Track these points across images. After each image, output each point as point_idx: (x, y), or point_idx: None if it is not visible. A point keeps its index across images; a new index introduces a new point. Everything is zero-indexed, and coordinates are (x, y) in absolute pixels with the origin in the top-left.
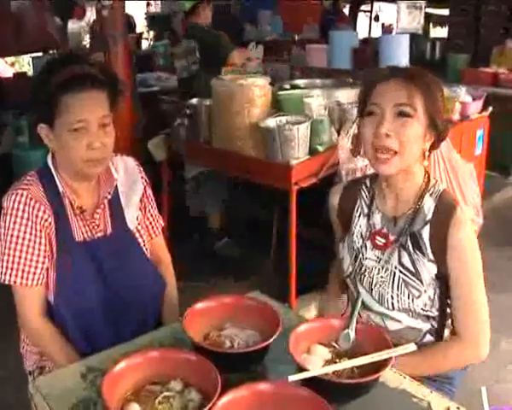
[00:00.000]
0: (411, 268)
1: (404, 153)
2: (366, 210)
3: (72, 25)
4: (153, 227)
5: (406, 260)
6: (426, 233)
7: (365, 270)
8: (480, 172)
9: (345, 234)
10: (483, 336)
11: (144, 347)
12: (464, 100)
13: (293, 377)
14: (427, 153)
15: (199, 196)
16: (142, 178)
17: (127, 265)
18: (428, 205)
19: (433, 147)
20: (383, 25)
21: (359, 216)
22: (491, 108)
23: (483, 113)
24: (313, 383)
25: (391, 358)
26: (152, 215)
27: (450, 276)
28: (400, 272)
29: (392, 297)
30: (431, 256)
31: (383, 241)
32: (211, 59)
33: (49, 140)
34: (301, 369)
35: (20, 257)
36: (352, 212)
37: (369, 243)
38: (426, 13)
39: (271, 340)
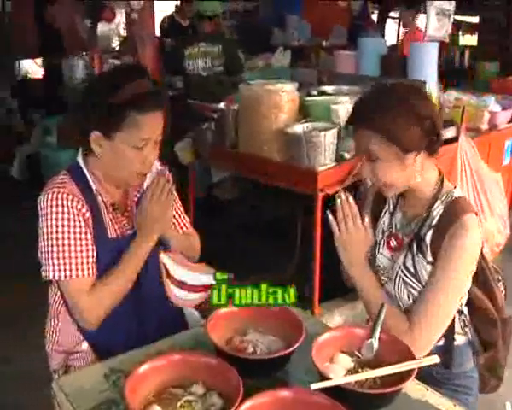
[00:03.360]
0: (411, 269)
1: (391, 186)
2: (392, 208)
3: (102, 27)
4: (179, 223)
5: (409, 262)
6: (429, 236)
7: (378, 264)
8: (509, 182)
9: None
10: (425, 339)
11: (166, 350)
12: (493, 109)
13: (315, 386)
14: (417, 168)
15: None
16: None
17: (152, 262)
18: (438, 210)
19: (433, 149)
20: None
21: (385, 213)
22: None
23: None
24: (335, 392)
25: (414, 369)
26: (177, 212)
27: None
28: (402, 272)
29: (394, 296)
30: (430, 258)
31: (395, 244)
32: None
33: (100, 146)
34: (323, 377)
35: (69, 251)
36: (382, 208)
37: (384, 241)
38: (455, 20)
39: (294, 347)
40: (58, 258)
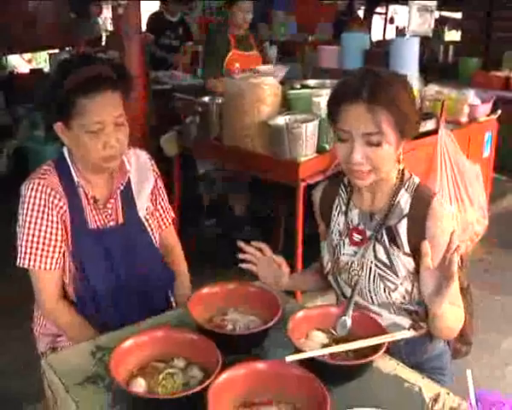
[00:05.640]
0: (386, 261)
1: (378, 171)
2: (344, 207)
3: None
4: (163, 219)
5: (381, 254)
6: (403, 227)
7: (343, 265)
8: (488, 174)
9: (327, 233)
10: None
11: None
12: (473, 102)
13: (290, 358)
14: (401, 156)
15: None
16: (153, 170)
17: (136, 253)
18: (405, 199)
19: (408, 141)
20: (397, 27)
21: (338, 214)
22: (499, 111)
23: (491, 115)
24: (309, 365)
25: (384, 343)
26: (162, 207)
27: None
28: (376, 266)
29: (369, 291)
30: (407, 249)
31: (360, 238)
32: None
33: (65, 137)
34: (299, 352)
35: (38, 242)
36: (331, 210)
37: (346, 240)
38: (441, 16)
39: (271, 323)
40: (26, 246)
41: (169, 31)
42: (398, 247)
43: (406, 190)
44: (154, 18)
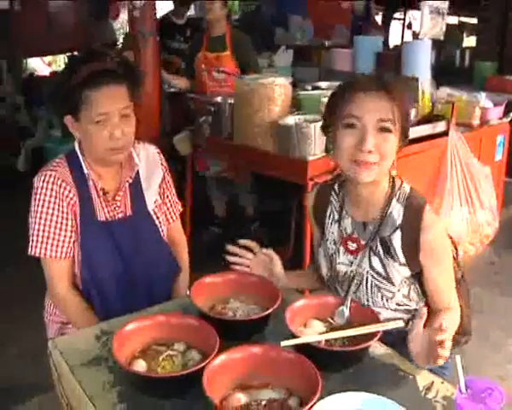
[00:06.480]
0: (382, 272)
1: (382, 165)
2: (337, 216)
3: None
4: (170, 212)
5: (377, 265)
6: (397, 238)
7: (341, 276)
8: (500, 178)
9: (321, 239)
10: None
11: None
12: (485, 105)
13: (285, 343)
14: (395, 163)
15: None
16: (161, 164)
17: (143, 245)
18: (397, 210)
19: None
20: (414, 32)
21: (331, 222)
22: None
23: (504, 119)
24: (306, 352)
25: (379, 331)
26: (170, 201)
27: (424, 271)
28: (372, 276)
29: (367, 300)
30: (402, 260)
31: (355, 246)
32: None
33: (75, 130)
34: (296, 338)
35: (49, 232)
36: (324, 216)
37: (341, 248)
38: (459, 22)
39: (270, 310)
40: (38, 236)
41: (178, 34)
42: (393, 258)
43: (398, 200)
44: (161, 22)
